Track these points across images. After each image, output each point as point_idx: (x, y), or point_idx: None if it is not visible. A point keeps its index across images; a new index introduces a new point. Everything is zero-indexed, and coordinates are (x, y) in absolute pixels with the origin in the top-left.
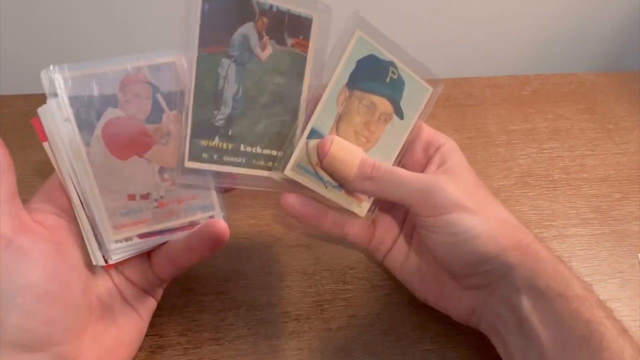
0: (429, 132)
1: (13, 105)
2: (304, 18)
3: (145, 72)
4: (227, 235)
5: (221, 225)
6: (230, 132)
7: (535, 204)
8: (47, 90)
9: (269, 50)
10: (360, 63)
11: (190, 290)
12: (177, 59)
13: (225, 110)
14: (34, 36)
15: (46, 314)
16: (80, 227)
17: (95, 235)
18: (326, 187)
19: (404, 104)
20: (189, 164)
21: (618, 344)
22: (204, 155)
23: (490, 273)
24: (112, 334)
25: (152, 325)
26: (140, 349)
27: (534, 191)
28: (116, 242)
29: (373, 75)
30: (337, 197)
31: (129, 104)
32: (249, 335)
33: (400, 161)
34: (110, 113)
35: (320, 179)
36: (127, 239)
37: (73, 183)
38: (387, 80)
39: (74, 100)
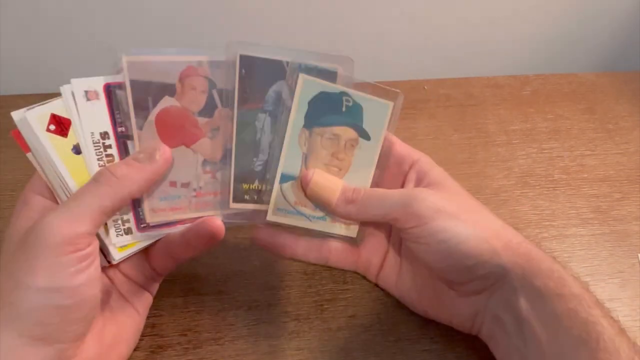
0: (400, 148)
1: (13, 105)
2: (330, 72)
3: (206, 67)
4: (221, 233)
5: (216, 223)
6: (267, 176)
7: (535, 204)
8: (112, 69)
9: None
10: (312, 103)
11: (190, 290)
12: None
13: (263, 157)
14: (34, 36)
15: (69, 314)
16: None
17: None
18: (310, 221)
19: (367, 125)
20: (234, 206)
21: (614, 344)
22: (246, 197)
23: (487, 276)
24: (111, 330)
25: (152, 325)
26: (140, 349)
27: (534, 191)
28: (117, 235)
29: (328, 110)
30: (324, 226)
31: (185, 95)
32: (249, 335)
33: (378, 179)
34: (166, 101)
35: (302, 214)
36: (127, 231)
37: (64, 191)
38: (344, 109)
39: (134, 84)
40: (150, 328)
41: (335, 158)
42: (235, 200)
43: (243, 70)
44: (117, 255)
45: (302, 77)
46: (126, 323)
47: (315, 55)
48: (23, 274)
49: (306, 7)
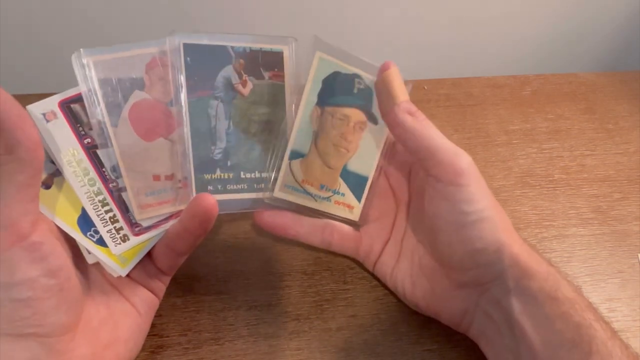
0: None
1: None
2: (275, 53)
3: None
4: (215, 208)
5: (209, 199)
6: (229, 163)
7: (535, 204)
8: (77, 73)
9: (249, 86)
10: (326, 81)
11: (190, 290)
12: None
13: (221, 145)
14: (34, 36)
15: (38, 306)
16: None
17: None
18: (316, 200)
19: (375, 109)
20: None
21: (607, 347)
22: (210, 187)
23: (484, 267)
24: (108, 329)
25: (152, 325)
26: (140, 349)
27: (534, 191)
28: (115, 245)
29: (340, 90)
30: (328, 207)
31: (154, 87)
32: (249, 335)
33: (382, 166)
34: (137, 95)
35: (309, 193)
36: (123, 239)
37: None
38: (355, 91)
39: (102, 83)
40: (151, 328)
41: (343, 139)
42: (199, 191)
43: (188, 59)
44: (121, 271)
45: (318, 55)
46: (125, 323)
47: (260, 38)
48: None
49: (305, 7)
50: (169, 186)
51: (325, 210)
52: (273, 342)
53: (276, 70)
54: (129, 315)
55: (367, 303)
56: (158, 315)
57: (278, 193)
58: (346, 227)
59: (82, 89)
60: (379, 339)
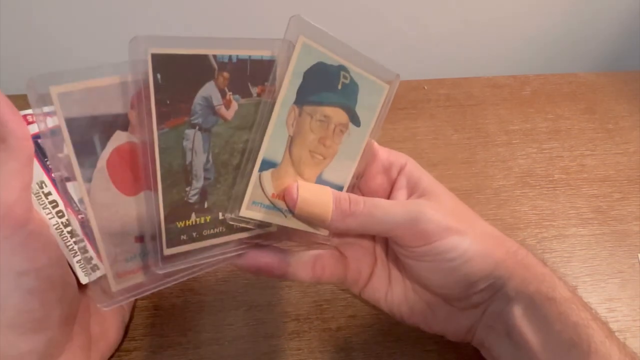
0: (386, 154)
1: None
2: (266, 61)
3: None
4: None
5: None
6: (206, 205)
7: (535, 204)
8: (34, 111)
9: (234, 107)
10: (307, 74)
11: (190, 290)
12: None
13: (198, 184)
14: (35, 36)
15: (45, 297)
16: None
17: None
18: (286, 217)
19: (359, 108)
20: (169, 251)
21: (605, 347)
22: (183, 237)
23: (486, 290)
24: (98, 321)
25: (152, 325)
26: (140, 349)
27: (534, 191)
28: (86, 275)
29: (324, 85)
30: (299, 223)
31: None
32: (249, 335)
33: (360, 174)
34: (118, 138)
35: (279, 209)
36: (93, 268)
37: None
38: (339, 86)
39: (72, 123)
40: (150, 328)
41: (321, 144)
42: (170, 245)
43: (159, 75)
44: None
45: (302, 41)
46: (114, 315)
47: (248, 42)
48: None
49: (307, 8)
50: (152, 248)
51: (296, 227)
52: (273, 342)
53: (266, 84)
54: (117, 309)
55: (367, 303)
56: (158, 315)
57: (245, 212)
58: (333, 254)
59: (40, 131)
60: (379, 339)
